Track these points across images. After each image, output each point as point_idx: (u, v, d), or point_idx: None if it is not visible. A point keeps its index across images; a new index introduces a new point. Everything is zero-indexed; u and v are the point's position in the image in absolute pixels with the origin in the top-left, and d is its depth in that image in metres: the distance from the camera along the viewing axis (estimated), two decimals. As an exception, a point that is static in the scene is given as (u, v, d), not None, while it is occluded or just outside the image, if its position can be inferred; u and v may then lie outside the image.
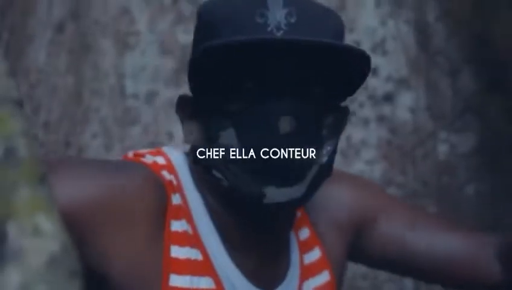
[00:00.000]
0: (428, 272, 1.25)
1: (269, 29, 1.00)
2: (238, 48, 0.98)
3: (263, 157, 0.99)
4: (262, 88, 1.00)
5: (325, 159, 1.03)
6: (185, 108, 1.11)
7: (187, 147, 1.14)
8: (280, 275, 1.16)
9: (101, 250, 0.98)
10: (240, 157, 1.00)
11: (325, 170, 1.04)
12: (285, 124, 1.00)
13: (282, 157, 0.99)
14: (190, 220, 1.08)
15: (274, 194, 1.00)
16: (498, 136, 1.79)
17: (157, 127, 1.82)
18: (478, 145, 1.80)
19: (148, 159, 1.09)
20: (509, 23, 1.75)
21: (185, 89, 1.10)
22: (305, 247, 1.20)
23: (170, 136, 1.81)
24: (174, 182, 1.09)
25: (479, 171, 1.78)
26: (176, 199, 1.09)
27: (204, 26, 1.05)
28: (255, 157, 1.00)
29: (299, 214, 1.20)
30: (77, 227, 0.94)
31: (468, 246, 1.24)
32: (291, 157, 0.99)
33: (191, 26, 1.11)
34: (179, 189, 1.10)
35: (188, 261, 1.06)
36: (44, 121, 1.86)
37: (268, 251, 1.13)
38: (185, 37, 1.82)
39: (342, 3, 1.81)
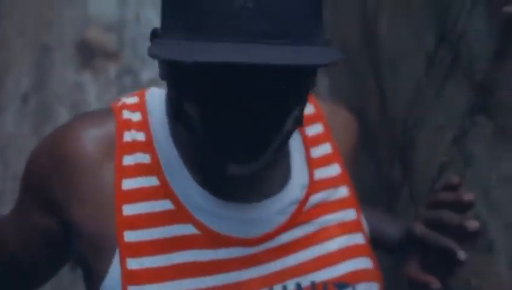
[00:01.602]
0: None
1: (244, 11, 0.92)
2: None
3: (224, 139, 0.99)
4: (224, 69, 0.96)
5: (282, 138, 1.02)
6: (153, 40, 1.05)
7: None
8: (271, 189, 1.16)
9: (60, 200, 1.07)
10: (202, 134, 1.01)
11: (282, 148, 1.05)
12: (245, 107, 0.98)
13: (246, 140, 0.99)
14: (151, 150, 1.11)
15: (234, 169, 1.02)
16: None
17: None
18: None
19: (123, 100, 1.15)
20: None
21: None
22: (317, 161, 1.21)
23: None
24: (137, 119, 1.13)
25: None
26: (130, 136, 1.12)
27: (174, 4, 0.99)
28: (216, 138, 1.00)
29: (318, 129, 1.22)
30: (36, 181, 1.09)
31: None
32: (251, 140, 0.99)
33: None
34: (140, 125, 1.13)
35: (142, 189, 1.08)
36: (14, 176, 2.30)
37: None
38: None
39: None
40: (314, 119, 1.22)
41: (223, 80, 0.94)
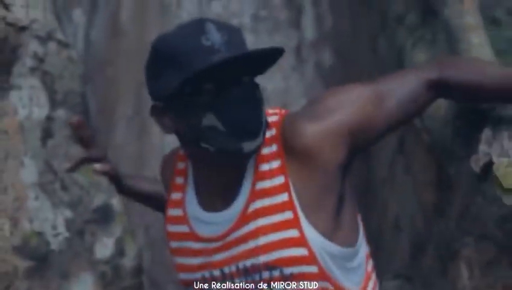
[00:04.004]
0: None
1: (216, 47, 1.44)
2: (210, 67, 1.39)
3: (239, 125, 1.44)
4: (221, 85, 1.44)
5: (265, 118, 1.49)
6: (158, 113, 1.54)
7: None
8: (229, 202, 1.56)
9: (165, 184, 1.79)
10: (224, 129, 1.43)
11: (266, 125, 1.50)
12: (249, 103, 1.46)
13: (249, 121, 1.45)
14: (185, 178, 1.69)
15: (247, 146, 1.46)
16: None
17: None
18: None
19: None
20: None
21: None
22: (262, 176, 1.53)
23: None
24: (181, 167, 1.70)
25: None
26: (180, 165, 1.71)
27: (164, 57, 1.47)
28: (233, 127, 1.43)
29: (273, 148, 1.54)
30: None
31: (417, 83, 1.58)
32: (253, 120, 1.46)
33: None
34: (185, 159, 1.68)
35: (176, 201, 1.69)
36: (122, 173, 3.24)
37: (220, 187, 1.56)
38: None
39: None
40: (272, 140, 1.55)
41: (224, 78, 1.43)
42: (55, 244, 1.95)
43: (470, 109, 1.88)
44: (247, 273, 1.51)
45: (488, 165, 1.71)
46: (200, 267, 1.60)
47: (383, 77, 1.62)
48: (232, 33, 1.48)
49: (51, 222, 1.96)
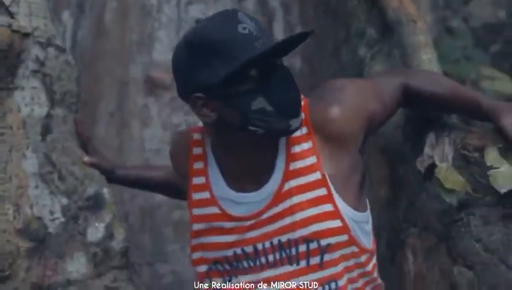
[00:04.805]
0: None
1: (255, 34, 1.49)
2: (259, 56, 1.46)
3: (287, 104, 1.51)
4: (262, 70, 1.49)
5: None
6: (200, 104, 1.55)
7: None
8: (263, 182, 1.62)
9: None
10: (272, 109, 1.49)
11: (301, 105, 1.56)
12: (289, 84, 1.52)
13: (294, 100, 1.53)
14: (205, 163, 1.71)
15: (294, 122, 1.53)
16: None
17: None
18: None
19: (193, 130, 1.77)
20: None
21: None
22: (295, 157, 1.60)
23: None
24: (200, 139, 1.72)
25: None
26: (197, 150, 1.73)
27: (206, 48, 1.50)
28: (282, 106, 1.49)
29: (303, 131, 1.61)
30: None
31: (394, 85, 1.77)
32: (296, 98, 1.54)
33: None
34: (202, 144, 1.72)
35: (200, 185, 1.71)
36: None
37: (252, 169, 1.61)
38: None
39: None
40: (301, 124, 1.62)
41: (264, 63, 1.48)
42: (52, 227, 2.18)
43: (418, 116, 2.12)
44: (281, 248, 1.59)
45: (431, 167, 1.96)
46: (233, 244, 1.65)
47: (373, 76, 1.90)
48: (257, 21, 1.56)
49: (49, 207, 2.19)
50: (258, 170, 1.61)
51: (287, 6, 3.47)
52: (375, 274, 1.76)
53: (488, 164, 1.80)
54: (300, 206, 1.59)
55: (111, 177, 2.15)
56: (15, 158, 2.18)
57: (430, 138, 2.01)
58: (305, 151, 1.61)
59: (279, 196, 1.60)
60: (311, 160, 1.60)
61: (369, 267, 1.72)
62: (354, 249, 1.64)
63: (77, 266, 2.20)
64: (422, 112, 2.04)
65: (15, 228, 2.11)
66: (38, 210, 2.17)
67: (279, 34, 3.44)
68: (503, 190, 1.76)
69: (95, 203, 2.26)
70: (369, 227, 1.72)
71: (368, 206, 1.74)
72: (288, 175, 1.60)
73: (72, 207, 2.23)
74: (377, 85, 1.75)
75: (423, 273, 2.01)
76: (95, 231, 2.24)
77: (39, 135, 2.23)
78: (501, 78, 3.59)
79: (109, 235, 2.26)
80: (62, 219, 2.21)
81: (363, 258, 1.68)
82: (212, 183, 1.70)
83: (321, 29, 3.03)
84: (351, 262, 1.64)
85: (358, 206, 1.65)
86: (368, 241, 1.72)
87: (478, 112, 1.80)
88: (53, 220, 2.19)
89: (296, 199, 1.59)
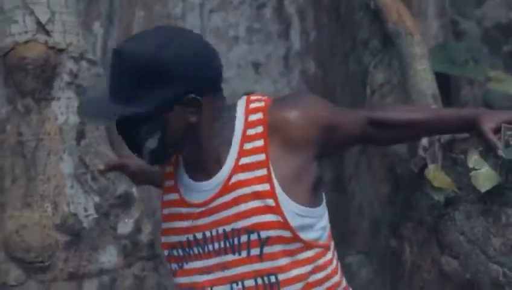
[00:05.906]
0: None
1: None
2: None
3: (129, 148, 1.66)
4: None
5: (150, 144, 1.65)
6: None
7: None
8: (215, 173, 1.66)
9: None
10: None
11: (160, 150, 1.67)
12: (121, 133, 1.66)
13: (131, 147, 1.67)
14: (175, 166, 1.75)
15: (146, 157, 1.66)
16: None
17: None
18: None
19: None
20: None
21: None
22: (246, 153, 1.63)
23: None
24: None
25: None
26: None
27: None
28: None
29: (257, 130, 1.63)
30: None
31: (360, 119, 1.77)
32: (132, 146, 1.68)
33: None
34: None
35: (168, 173, 1.77)
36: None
37: (209, 162, 1.65)
38: None
39: None
40: (258, 123, 1.65)
41: None
42: (86, 223, 2.41)
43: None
44: (226, 237, 1.63)
45: (424, 167, 2.15)
46: (187, 230, 1.69)
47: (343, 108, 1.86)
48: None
49: (83, 205, 2.41)
50: (211, 162, 1.67)
51: (303, 13, 3.59)
52: (331, 270, 1.74)
53: (470, 165, 1.97)
54: (244, 199, 1.63)
55: (137, 180, 2.19)
56: (53, 161, 2.41)
57: (423, 141, 2.19)
58: (256, 148, 1.64)
59: (227, 187, 1.65)
60: (261, 157, 1.64)
61: (321, 261, 1.70)
62: (299, 245, 1.65)
63: (109, 257, 2.42)
64: (418, 139, 2.17)
65: (54, 224, 2.34)
66: (74, 207, 2.40)
67: (295, 39, 3.58)
68: (483, 189, 1.93)
69: (125, 201, 2.47)
70: (323, 222, 1.72)
71: (324, 202, 1.74)
72: (237, 169, 1.65)
73: (104, 205, 2.45)
74: (341, 107, 1.81)
75: (418, 262, 2.19)
76: (125, 226, 2.45)
77: (74, 140, 2.45)
78: (509, 80, 3.59)
79: (137, 229, 2.47)
80: (95, 215, 2.43)
81: (311, 253, 1.68)
82: (177, 173, 1.77)
83: (333, 35, 3.19)
84: (298, 257, 1.65)
85: (309, 203, 1.66)
86: (320, 235, 1.71)
87: (465, 124, 1.86)
88: (87, 216, 2.42)
89: (241, 191, 1.63)
